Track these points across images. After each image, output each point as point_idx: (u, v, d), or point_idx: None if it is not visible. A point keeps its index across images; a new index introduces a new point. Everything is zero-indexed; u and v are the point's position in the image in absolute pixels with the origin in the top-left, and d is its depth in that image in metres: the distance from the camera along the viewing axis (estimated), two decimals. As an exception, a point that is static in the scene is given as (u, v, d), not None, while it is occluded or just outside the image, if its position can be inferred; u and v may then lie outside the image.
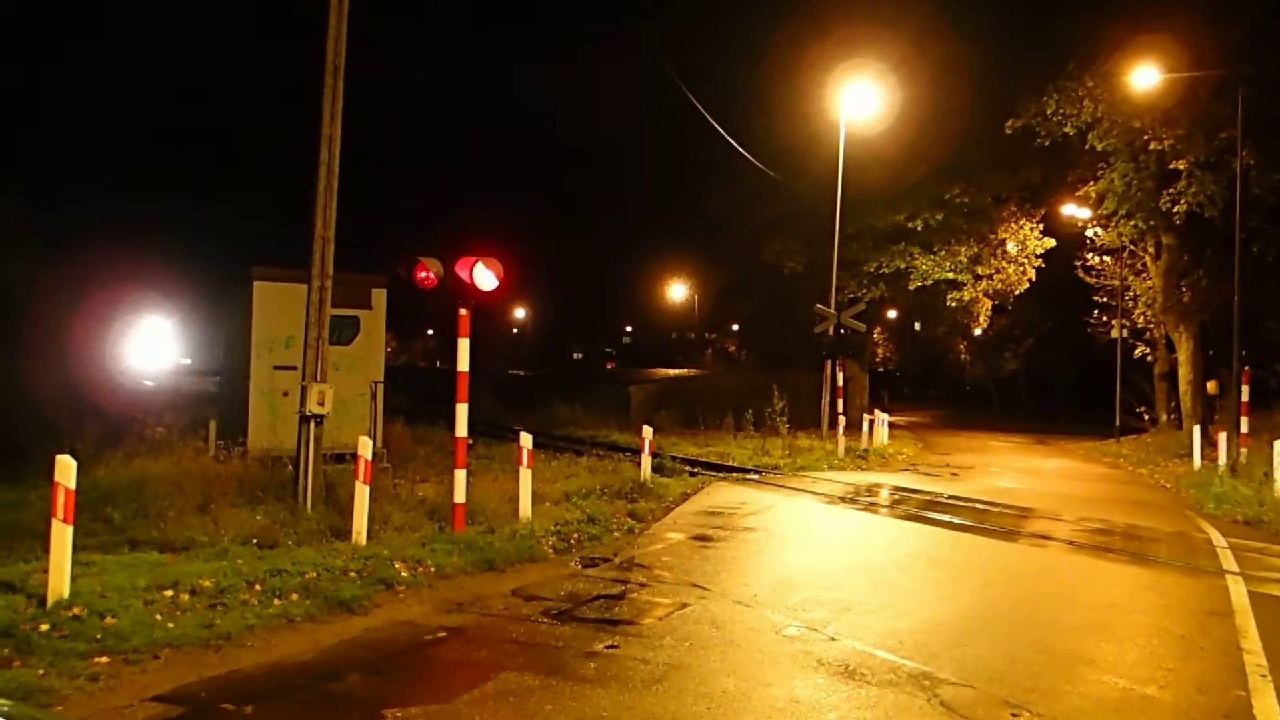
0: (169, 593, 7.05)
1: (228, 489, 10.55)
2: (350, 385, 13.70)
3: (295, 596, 7.28)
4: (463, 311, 9.83)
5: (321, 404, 10.12)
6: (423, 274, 9.53)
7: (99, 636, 6.15)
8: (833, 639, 6.92)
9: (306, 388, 10.16)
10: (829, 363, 23.32)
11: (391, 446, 14.60)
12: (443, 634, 6.87)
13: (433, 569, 8.47)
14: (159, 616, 6.59)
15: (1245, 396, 17.88)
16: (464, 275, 9.60)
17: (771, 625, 7.29)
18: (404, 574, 8.18)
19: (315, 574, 7.75)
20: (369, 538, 9.02)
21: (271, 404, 13.60)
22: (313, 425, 10.19)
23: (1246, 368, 18.40)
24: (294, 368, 11.26)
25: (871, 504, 14.34)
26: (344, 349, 13.86)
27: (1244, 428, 17.80)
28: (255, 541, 8.77)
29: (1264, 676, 6.34)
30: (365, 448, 9.16)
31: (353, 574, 7.90)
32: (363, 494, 9.03)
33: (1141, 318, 29.92)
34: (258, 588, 7.35)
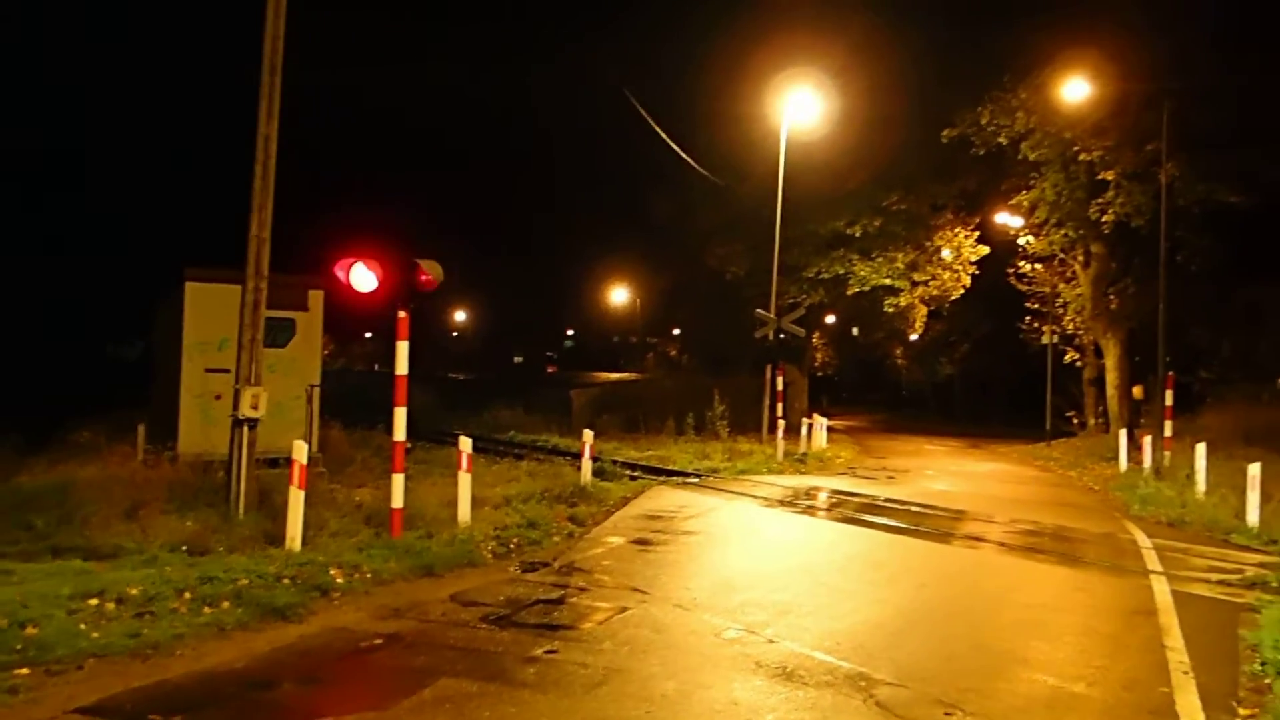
0: (94, 601, 6.85)
1: (157, 494, 10.32)
2: (286, 388, 13.45)
3: (227, 604, 7.13)
4: (401, 314, 9.73)
5: (255, 407, 9.94)
6: (360, 275, 9.40)
7: (19, 647, 5.96)
8: (771, 641, 6.97)
9: (240, 391, 9.97)
10: (769, 367, 23.51)
11: (328, 451, 14.39)
12: (379, 641, 6.78)
13: (369, 575, 8.35)
14: (83, 626, 6.41)
15: (1169, 401, 18.37)
16: (401, 276, 9.50)
17: (711, 628, 7.31)
18: (340, 580, 8.06)
19: (248, 581, 7.59)
20: (304, 544, 8.87)
21: (204, 407, 13.31)
22: (246, 429, 10.00)
23: (1171, 373, 18.91)
24: (227, 370, 11.04)
25: (810, 507, 14.47)
26: (279, 351, 13.62)
27: (1168, 431, 18.28)
28: (185, 548, 8.59)
29: (1186, 673, 6.53)
30: (300, 452, 9.01)
31: (286, 581, 7.76)
32: (297, 499, 8.88)
33: (1071, 324, 30.56)
34: (188, 595, 7.18)
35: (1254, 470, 12.96)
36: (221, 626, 6.80)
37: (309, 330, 14.58)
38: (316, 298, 14.55)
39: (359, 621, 7.25)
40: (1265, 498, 12.96)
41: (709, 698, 5.81)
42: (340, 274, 9.34)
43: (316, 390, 14.38)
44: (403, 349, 9.85)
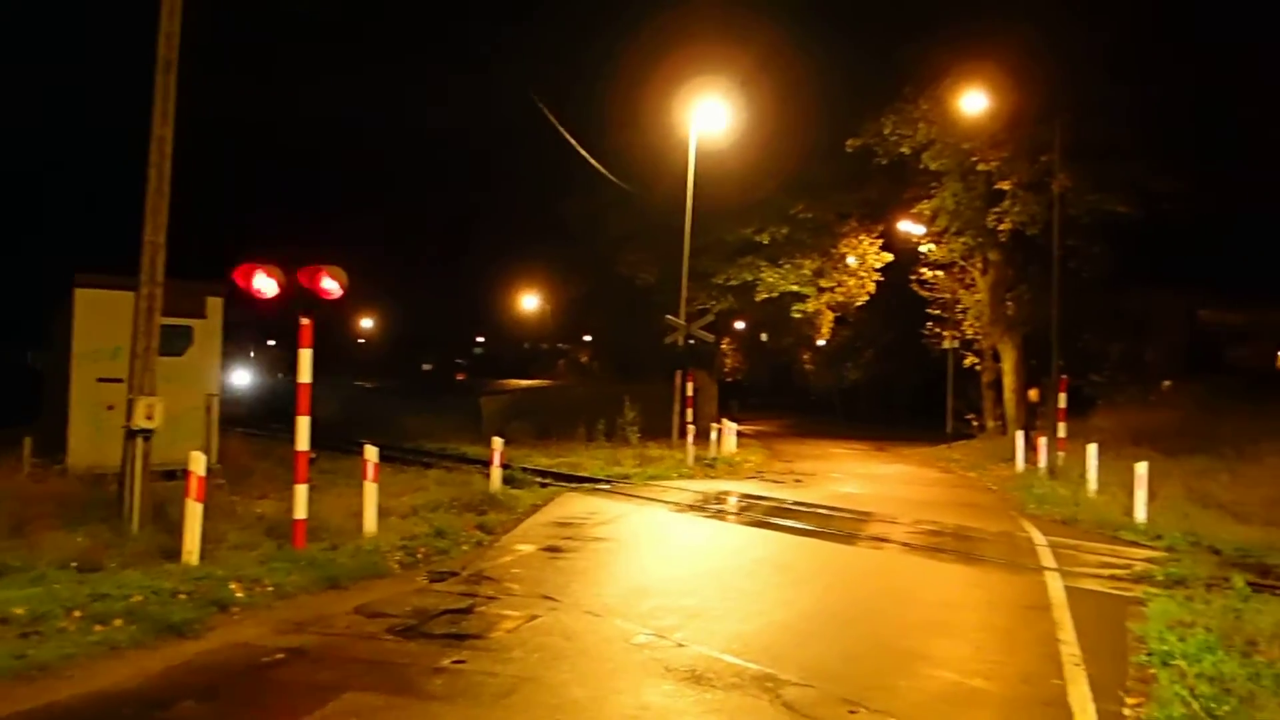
0: (-24, 623, 6.54)
1: (45, 509, 9.88)
2: (183, 398, 13.03)
3: (120, 622, 6.86)
4: (304, 321, 9.52)
5: (150, 418, 9.62)
6: (262, 282, 9.17)
7: (-107, 672, 5.65)
8: (681, 645, 7.01)
9: (133, 401, 9.63)
10: (679, 373, 23.65)
11: (228, 461, 14.00)
12: (281, 656, 6.62)
13: (271, 588, 8.14)
14: (-36, 649, 6.11)
15: (1063, 404, 19.06)
16: (306, 283, 9.31)
17: (622, 634, 7.33)
18: (240, 594, 7.84)
19: (142, 597, 7.33)
20: (202, 557, 8.61)
21: (96, 418, 12.84)
22: (140, 441, 9.66)
23: (1064, 377, 19.62)
24: (121, 380, 10.64)
25: (720, 511, 14.60)
26: (176, 360, 13.20)
27: (1062, 433, 18.96)
28: (75, 565, 8.23)
29: (1078, 665, 6.79)
30: (197, 463, 8.75)
31: (183, 596, 7.51)
32: (194, 511, 8.61)
33: (971, 330, 31.41)
34: (78, 614, 6.90)
35: (1141, 469, 13.55)
36: (114, 645, 6.54)
37: (207, 338, 14.19)
38: (215, 305, 14.18)
39: (260, 636, 7.05)
40: (1151, 495, 13.59)
41: (619, 703, 5.83)
42: (240, 280, 9.11)
43: (215, 400, 14.00)
44: (305, 356, 9.64)
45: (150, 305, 9.82)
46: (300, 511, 9.49)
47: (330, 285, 9.37)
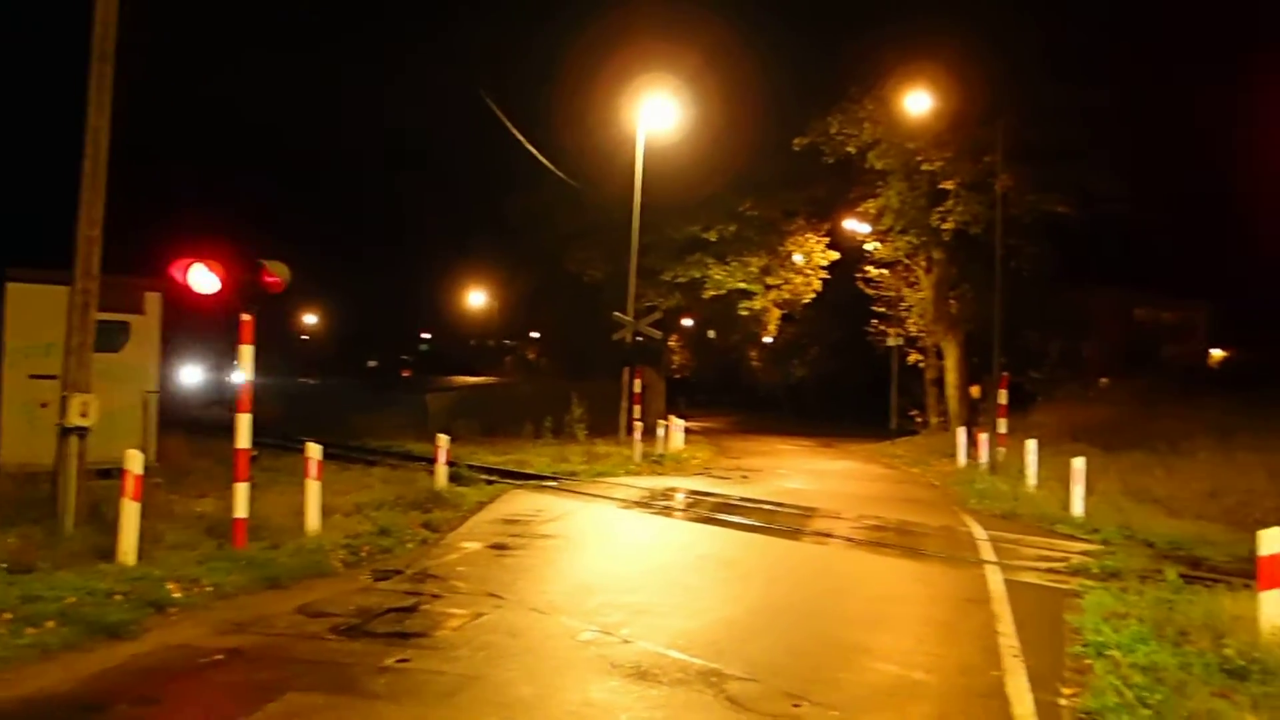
0: (-100, 627, 6.35)
1: (-26, 509, 9.62)
2: (120, 395, 12.75)
3: (52, 624, 6.70)
4: (245, 317, 9.37)
5: (85, 415, 9.39)
6: (199, 276, 9.01)
7: None
8: (626, 641, 7.02)
9: (68, 398, 9.40)
10: (627, 370, 23.67)
11: (167, 460, 13.74)
12: (220, 657, 6.50)
13: (210, 588, 8.00)
14: (-113, 653, 5.93)
15: (1004, 400, 19.38)
16: (245, 278, 9.16)
17: (568, 631, 7.32)
18: (177, 595, 7.69)
19: (76, 599, 7.15)
20: (139, 558, 8.42)
21: (29, 416, 12.51)
22: (75, 438, 9.43)
23: (1005, 374, 19.95)
24: (55, 377, 10.38)
25: (666, 508, 14.64)
26: (112, 357, 12.90)
27: (1003, 429, 19.28)
28: (6, 566, 8.00)
29: (1016, 657, 6.92)
30: (133, 461, 8.56)
31: (118, 597, 7.35)
32: (131, 510, 8.42)
33: (915, 327, 31.79)
34: (8, 616, 6.72)
35: (1078, 464, 13.84)
36: (46, 648, 6.39)
37: (145, 334, 13.90)
38: (154, 300, 13.90)
39: (198, 637, 6.93)
40: (1089, 490, 13.89)
41: (565, 700, 5.82)
42: (178, 275, 8.93)
43: (154, 397, 13.73)
44: (247, 353, 9.49)
45: (85, 300, 9.59)
46: (240, 510, 9.34)
47: (273, 280, 9.24)
